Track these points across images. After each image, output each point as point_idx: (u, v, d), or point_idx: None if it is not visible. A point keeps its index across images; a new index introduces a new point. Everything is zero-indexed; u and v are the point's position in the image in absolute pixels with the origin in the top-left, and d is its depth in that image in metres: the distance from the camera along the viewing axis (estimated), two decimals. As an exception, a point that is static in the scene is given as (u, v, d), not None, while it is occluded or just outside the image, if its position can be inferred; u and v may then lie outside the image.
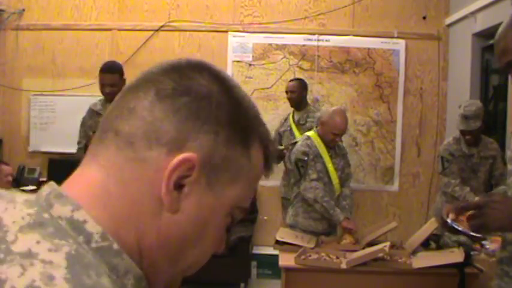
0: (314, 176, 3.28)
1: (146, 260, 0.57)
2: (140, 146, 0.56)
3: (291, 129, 4.35)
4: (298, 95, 4.36)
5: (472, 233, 1.53)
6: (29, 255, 0.47)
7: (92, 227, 0.53)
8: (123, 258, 0.54)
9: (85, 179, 0.57)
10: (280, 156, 4.15)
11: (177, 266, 0.61)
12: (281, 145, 4.30)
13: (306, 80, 5.00)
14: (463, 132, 3.54)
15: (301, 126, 4.26)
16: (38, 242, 0.49)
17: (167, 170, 0.55)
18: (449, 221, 1.60)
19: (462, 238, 2.98)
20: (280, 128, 4.47)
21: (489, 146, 3.65)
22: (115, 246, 0.54)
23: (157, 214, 0.56)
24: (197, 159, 0.56)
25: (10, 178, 3.60)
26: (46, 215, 0.52)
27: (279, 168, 5.03)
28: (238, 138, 0.59)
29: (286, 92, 4.42)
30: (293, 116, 4.40)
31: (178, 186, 0.56)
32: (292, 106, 4.41)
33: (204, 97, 0.58)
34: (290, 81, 4.52)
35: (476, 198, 3.51)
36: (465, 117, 3.45)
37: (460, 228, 1.57)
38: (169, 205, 0.56)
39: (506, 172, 3.48)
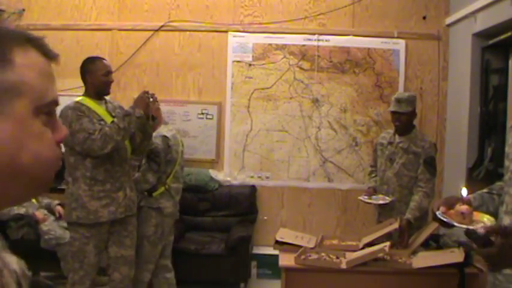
0: None
1: None
2: None
3: None
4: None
5: (457, 224, 1.58)
6: None
7: None
8: None
9: None
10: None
11: (19, 181, 0.69)
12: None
13: (306, 80, 5.01)
14: (393, 117, 3.56)
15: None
16: None
17: None
18: (438, 213, 1.65)
19: (462, 238, 2.98)
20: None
21: (418, 142, 3.54)
22: None
23: None
24: None
25: None
26: None
27: (279, 170, 5.03)
28: None
29: (107, 74, 3.19)
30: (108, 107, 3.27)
31: None
32: (108, 92, 3.26)
33: None
34: (104, 59, 3.28)
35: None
36: (397, 100, 3.52)
37: (446, 220, 1.61)
38: None
39: (422, 177, 3.46)
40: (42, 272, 4.46)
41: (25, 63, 0.69)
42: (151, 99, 3.13)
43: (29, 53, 0.70)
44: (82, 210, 3.05)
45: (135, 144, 3.29)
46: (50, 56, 0.73)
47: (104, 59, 3.30)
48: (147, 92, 3.14)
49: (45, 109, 0.70)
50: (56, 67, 0.76)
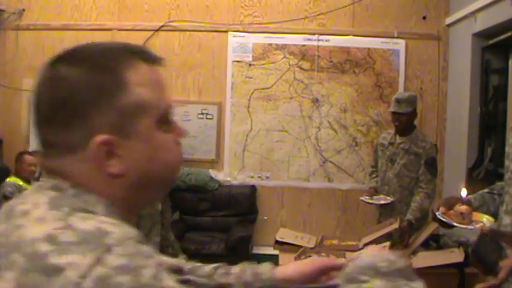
0: None
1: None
2: None
3: None
4: None
5: (457, 224, 1.61)
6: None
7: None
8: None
9: None
10: None
11: (151, 188, 0.73)
12: None
13: (306, 80, 5.01)
14: (393, 118, 3.57)
15: None
16: None
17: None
18: (437, 214, 1.68)
19: (462, 238, 2.98)
20: None
21: (419, 143, 3.53)
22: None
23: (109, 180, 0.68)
24: (106, 136, 0.67)
25: (33, 168, 3.69)
26: None
27: (279, 170, 5.03)
28: (110, 96, 0.67)
29: None
30: None
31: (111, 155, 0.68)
32: None
33: None
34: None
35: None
36: (397, 101, 3.52)
37: (445, 220, 1.64)
38: (116, 170, 0.68)
39: (423, 178, 3.47)
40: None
41: (138, 80, 0.70)
42: None
43: (138, 67, 0.71)
44: None
45: None
46: (155, 61, 0.75)
47: None
48: None
49: (164, 119, 0.72)
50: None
